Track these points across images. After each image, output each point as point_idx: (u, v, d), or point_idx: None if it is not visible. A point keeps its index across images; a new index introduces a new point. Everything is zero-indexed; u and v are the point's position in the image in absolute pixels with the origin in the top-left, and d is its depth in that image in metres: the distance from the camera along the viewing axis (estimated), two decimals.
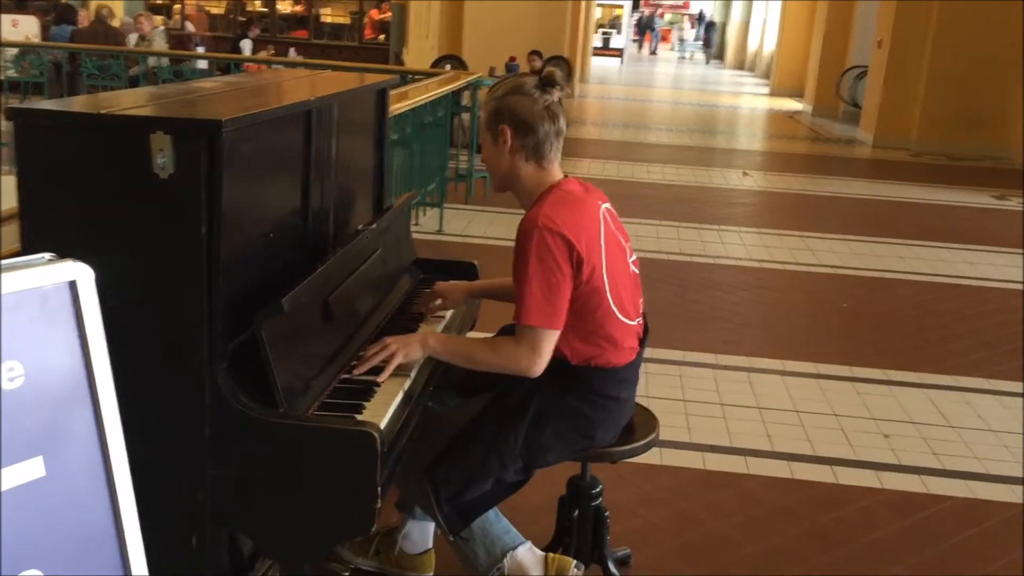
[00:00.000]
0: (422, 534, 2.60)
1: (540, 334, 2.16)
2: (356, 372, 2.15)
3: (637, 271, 2.40)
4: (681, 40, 36.49)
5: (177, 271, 1.77)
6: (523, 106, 2.21)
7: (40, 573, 1.28)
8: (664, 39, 45.39)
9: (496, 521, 2.34)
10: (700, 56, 35.00)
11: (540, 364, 2.18)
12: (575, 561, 2.38)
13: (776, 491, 3.30)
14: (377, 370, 2.15)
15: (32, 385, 1.28)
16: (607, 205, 2.34)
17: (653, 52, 37.17)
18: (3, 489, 1.24)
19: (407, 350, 2.20)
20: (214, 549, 1.91)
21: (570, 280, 2.16)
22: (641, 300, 2.42)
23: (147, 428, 1.60)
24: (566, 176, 2.31)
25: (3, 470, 1.25)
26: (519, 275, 2.16)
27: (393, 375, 2.15)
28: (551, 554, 2.38)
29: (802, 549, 2.95)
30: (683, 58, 35.82)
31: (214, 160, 1.72)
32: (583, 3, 18.78)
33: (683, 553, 2.90)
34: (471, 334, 2.78)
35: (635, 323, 2.36)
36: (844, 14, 16.31)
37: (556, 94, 2.24)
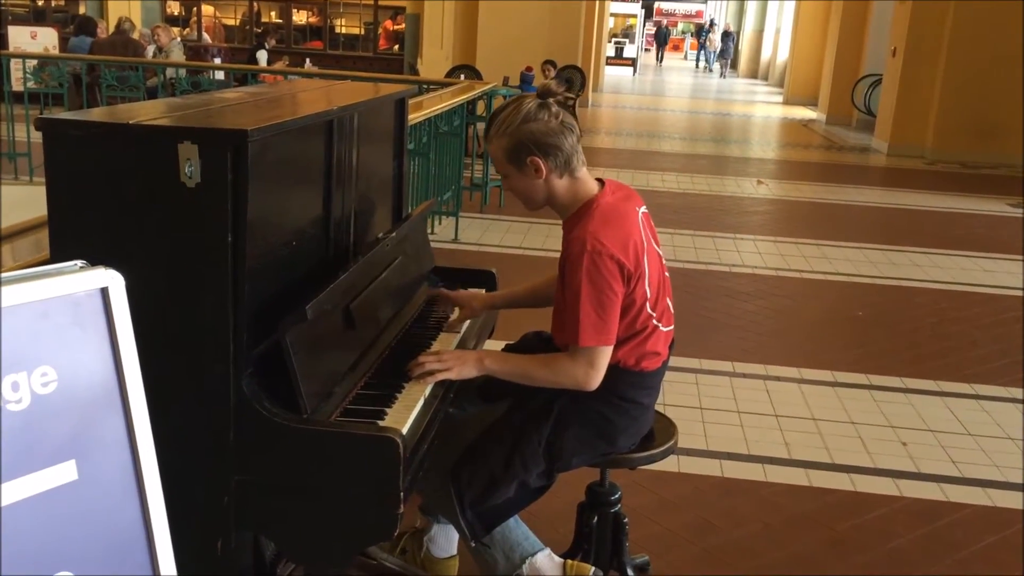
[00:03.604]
0: (447, 540, 2.62)
1: (596, 351, 2.19)
2: (411, 373, 2.19)
3: (668, 276, 2.41)
4: (715, 52, 35.72)
5: (203, 278, 1.79)
6: (542, 131, 2.20)
7: (72, 575, 1.31)
8: (677, 48, 45.34)
9: (515, 527, 2.35)
10: (714, 66, 34.64)
11: (597, 378, 2.21)
12: (593, 568, 2.38)
13: (794, 499, 3.30)
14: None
15: (65, 390, 1.31)
16: (643, 209, 2.36)
17: (708, 69, 35.86)
18: (36, 492, 1.27)
19: (461, 368, 2.23)
20: (238, 553, 1.93)
21: (621, 296, 2.19)
22: (671, 305, 2.43)
23: (172, 433, 1.62)
24: (601, 183, 2.33)
25: (37, 473, 1.27)
26: (571, 297, 2.18)
27: (415, 382, 2.17)
28: (569, 560, 2.39)
29: (820, 557, 2.95)
30: (708, 69, 35.30)
31: (240, 169, 1.74)
32: (596, 13, 18.83)
33: (701, 560, 2.90)
34: (489, 343, 2.79)
35: (668, 329, 2.38)
36: (858, 22, 16.28)
37: (556, 104, 2.25)
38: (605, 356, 2.21)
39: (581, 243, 2.17)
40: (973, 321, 5.53)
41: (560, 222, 2.35)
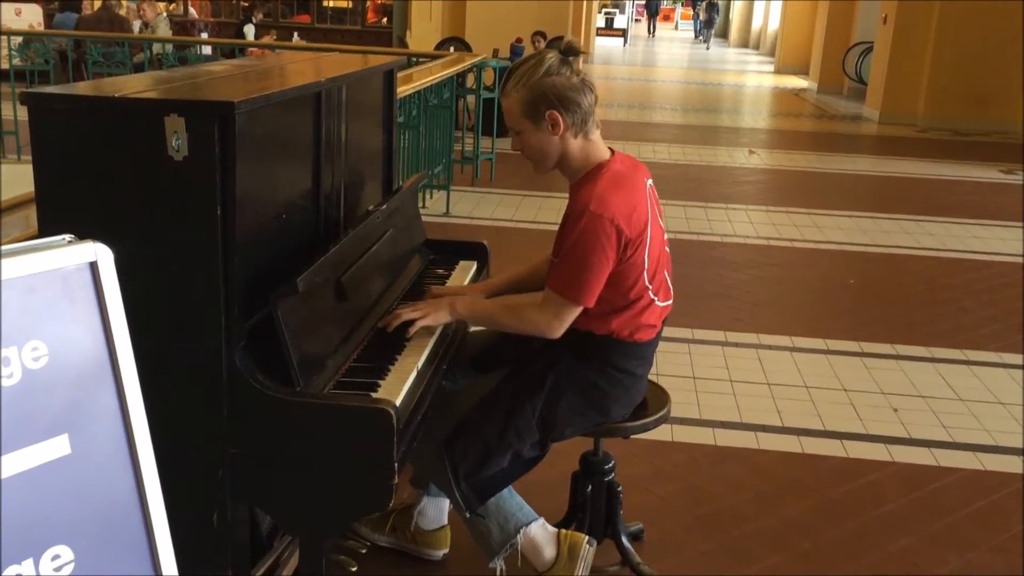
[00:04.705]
0: (437, 511, 2.63)
1: (565, 305, 2.21)
2: (387, 326, 2.25)
3: (668, 251, 2.41)
4: (706, 21, 35.09)
5: (193, 252, 1.78)
6: (563, 85, 2.20)
7: (67, 548, 1.31)
8: (668, 19, 44.94)
9: (510, 498, 2.36)
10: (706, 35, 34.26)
11: (560, 330, 2.24)
12: (587, 537, 2.40)
13: (787, 466, 3.32)
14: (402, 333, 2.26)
15: (56, 364, 1.31)
16: (650, 181, 2.36)
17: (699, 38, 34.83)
18: (30, 467, 1.27)
19: (436, 315, 2.29)
20: (234, 525, 1.93)
21: (611, 264, 2.20)
22: (670, 281, 2.43)
23: (166, 407, 1.62)
24: (612, 152, 2.33)
25: (29, 448, 1.27)
26: (561, 248, 2.20)
27: (407, 354, 2.18)
28: (564, 530, 2.40)
29: (813, 522, 2.97)
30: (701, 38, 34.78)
31: (227, 141, 1.73)
32: None
33: (695, 527, 2.92)
34: None
35: (665, 304, 2.38)
36: None
37: (580, 62, 2.25)
38: (572, 312, 2.23)
39: (585, 203, 2.17)
40: (964, 288, 5.55)
41: (561, 195, 2.34)
